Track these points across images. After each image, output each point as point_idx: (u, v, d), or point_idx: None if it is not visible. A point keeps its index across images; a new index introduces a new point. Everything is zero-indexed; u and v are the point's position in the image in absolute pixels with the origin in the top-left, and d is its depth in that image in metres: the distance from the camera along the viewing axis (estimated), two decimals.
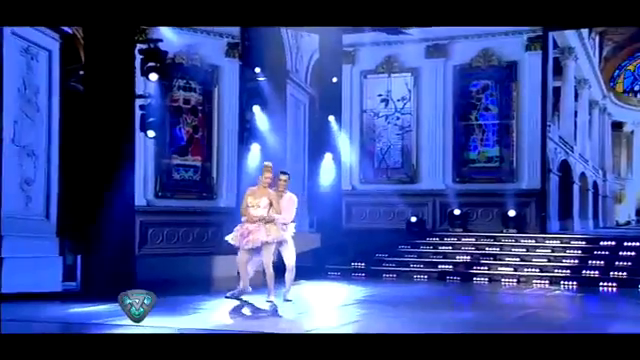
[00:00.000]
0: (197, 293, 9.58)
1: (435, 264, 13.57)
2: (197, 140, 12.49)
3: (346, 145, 17.35)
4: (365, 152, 17.70)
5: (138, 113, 9.79)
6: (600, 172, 24.64)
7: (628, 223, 25.04)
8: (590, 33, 22.57)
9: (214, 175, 12.83)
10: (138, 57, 9.58)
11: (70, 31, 9.61)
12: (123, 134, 9.12)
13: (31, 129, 9.01)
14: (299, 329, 6.88)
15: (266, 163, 8.44)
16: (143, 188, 11.66)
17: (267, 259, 8.20)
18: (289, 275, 8.64)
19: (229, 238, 8.30)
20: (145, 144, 11.43)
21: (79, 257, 8.87)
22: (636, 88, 25.10)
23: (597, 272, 12.03)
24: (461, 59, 16.84)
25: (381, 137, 17.69)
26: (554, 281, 11.89)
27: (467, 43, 16.77)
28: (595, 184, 24.12)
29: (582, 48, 21.69)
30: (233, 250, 13.11)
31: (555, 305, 9.86)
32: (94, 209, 8.81)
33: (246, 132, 13.60)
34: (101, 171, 8.99)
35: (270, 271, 8.25)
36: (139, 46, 9.52)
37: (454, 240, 15.16)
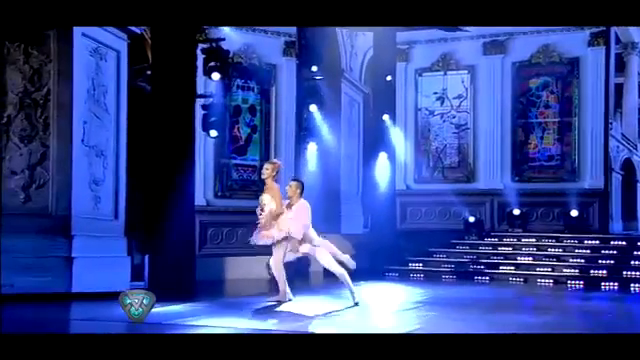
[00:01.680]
0: (257, 294, 9.63)
1: (496, 265, 13.39)
2: (256, 140, 12.60)
3: (401, 144, 17.30)
4: (420, 151, 17.61)
5: (200, 113, 9.92)
6: None
7: None
8: None
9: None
10: (200, 57, 9.72)
11: (138, 31, 9.81)
12: (185, 134, 9.28)
13: (100, 129, 9.26)
14: (360, 331, 6.85)
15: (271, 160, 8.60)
16: (203, 188, 11.85)
17: (274, 259, 8.28)
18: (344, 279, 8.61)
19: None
20: (205, 144, 11.60)
21: (146, 257, 9.03)
22: None
23: None
24: (520, 55, 16.64)
25: (437, 136, 17.57)
26: (623, 284, 11.63)
27: (526, 39, 16.55)
28: None
29: None
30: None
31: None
32: (158, 209, 8.96)
33: (303, 131, 13.69)
34: (164, 171, 9.16)
35: (277, 272, 8.32)
36: (201, 45, 9.67)
37: (514, 241, 14.97)
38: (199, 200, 11.13)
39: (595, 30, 16.10)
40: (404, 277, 13.47)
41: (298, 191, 8.39)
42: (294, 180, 8.74)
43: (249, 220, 12.77)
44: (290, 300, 8.48)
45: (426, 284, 12.21)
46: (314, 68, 14.11)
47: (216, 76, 9.50)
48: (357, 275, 13.06)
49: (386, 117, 16.89)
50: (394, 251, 15.01)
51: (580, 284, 11.92)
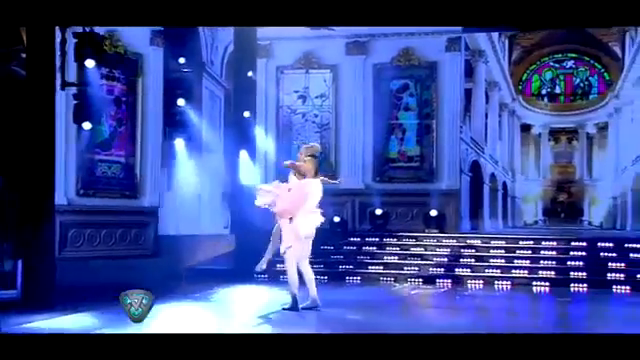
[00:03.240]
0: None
1: (365, 265, 13.59)
2: (121, 134, 11.83)
3: (262, 142, 17.13)
4: (282, 149, 17.49)
5: (71, 103, 9.10)
6: (509, 173, 25.87)
7: (535, 223, 26.49)
8: (500, 37, 23.63)
9: (137, 172, 12.24)
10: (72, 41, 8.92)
11: None
12: (45, 125, 8.50)
13: None
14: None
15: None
16: (64, 185, 10.93)
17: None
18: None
19: None
20: (67, 137, 10.71)
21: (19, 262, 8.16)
22: (543, 92, 26.54)
23: (526, 271, 12.58)
24: (381, 57, 17.11)
25: (298, 135, 17.59)
26: (487, 281, 12.25)
27: (387, 41, 17.08)
28: (504, 185, 25.32)
29: (492, 51, 22.72)
30: (157, 254, 12.70)
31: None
32: (25, 209, 8.12)
33: (170, 127, 13.08)
34: (23, 166, 8.34)
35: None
36: (73, 29, 8.86)
37: (377, 240, 15.29)
38: (60, 199, 10.29)
39: (452, 36, 16.92)
40: (274, 279, 13.24)
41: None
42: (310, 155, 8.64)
43: (114, 220, 12.14)
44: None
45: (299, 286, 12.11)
46: (181, 60, 13.57)
47: (90, 63, 8.75)
48: (224, 278, 12.85)
49: (247, 114, 16.67)
50: (257, 252, 14.79)
51: (448, 282, 12.40)
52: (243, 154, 16.63)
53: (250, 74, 16.76)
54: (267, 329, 7.71)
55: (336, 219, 16.17)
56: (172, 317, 8.07)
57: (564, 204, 26.56)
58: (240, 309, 9.56)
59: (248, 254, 14.71)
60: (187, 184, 15.59)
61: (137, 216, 12.08)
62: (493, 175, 23.44)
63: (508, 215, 25.13)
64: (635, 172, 22.80)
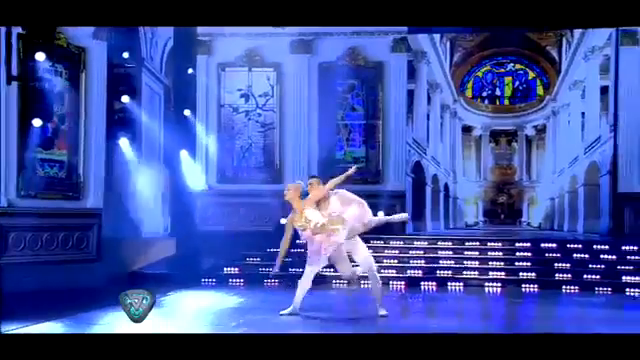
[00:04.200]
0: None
1: None
2: (64, 132, 11.45)
3: (203, 142, 16.97)
4: (223, 149, 17.35)
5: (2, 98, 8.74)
6: (451, 174, 26.44)
7: (476, 224, 27.16)
8: (442, 39, 24.13)
9: (81, 172, 11.88)
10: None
11: None
12: None
13: None
14: None
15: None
16: (4, 186, 10.49)
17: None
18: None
19: None
20: (7, 135, 10.29)
21: None
22: (484, 94, 27.25)
23: (477, 272, 12.89)
24: (327, 57, 17.15)
25: (241, 134, 17.44)
26: (440, 283, 12.52)
27: (333, 40, 17.12)
28: (446, 186, 25.85)
29: (434, 53, 23.16)
30: (100, 258, 12.36)
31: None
32: None
33: (114, 124, 12.77)
34: None
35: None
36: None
37: None
38: None
39: (397, 36, 17.14)
40: (222, 284, 13.16)
41: (321, 186, 8.42)
42: (312, 177, 8.85)
43: (56, 223, 11.72)
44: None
45: (249, 291, 12.09)
46: (125, 54, 13.29)
47: (40, 56, 8.43)
48: (169, 283, 12.65)
49: (188, 112, 16.48)
50: (200, 256, 14.66)
51: (401, 285, 12.59)
52: (183, 154, 16.47)
53: (190, 71, 16.66)
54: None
55: (283, 221, 16.11)
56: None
57: (504, 205, 27.40)
58: (201, 313, 9.42)
59: (189, 258, 14.67)
60: (127, 185, 15.28)
61: (80, 219, 11.74)
62: (435, 176, 23.93)
63: (450, 216, 25.73)
64: (572, 174, 23.71)
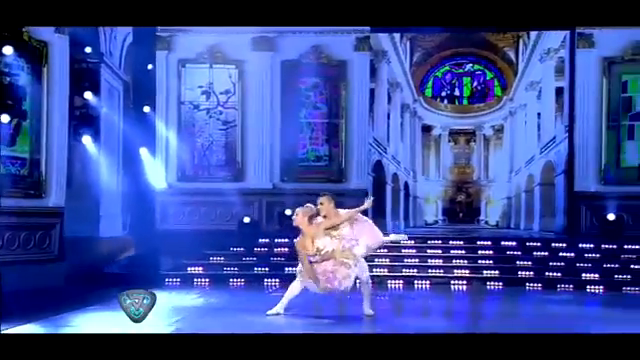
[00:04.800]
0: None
1: (281, 267, 13.69)
2: (25, 128, 11.25)
3: (163, 139, 16.88)
4: (184, 147, 17.24)
5: None
6: (411, 173, 26.80)
7: (436, 222, 27.60)
8: (402, 38, 24.42)
9: (43, 170, 11.67)
10: None
11: None
12: None
13: None
14: None
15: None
16: None
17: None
18: None
19: None
20: None
21: None
22: (443, 94, 27.71)
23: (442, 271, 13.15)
24: (290, 54, 17.08)
25: (202, 132, 17.35)
26: (408, 281, 12.74)
27: (296, 38, 17.03)
28: (406, 184, 26.20)
29: (394, 52, 23.42)
30: (62, 258, 12.16)
31: None
32: None
33: (75, 121, 12.62)
34: None
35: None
36: None
37: (288, 242, 15.39)
38: None
39: (360, 35, 17.26)
40: (187, 284, 13.11)
41: (332, 205, 8.42)
42: (323, 195, 8.73)
43: (18, 223, 11.48)
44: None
45: (215, 291, 12.08)
46: (88, 49, 13.15)
47: (8, 50, 8.30)
48: (130, 284, 12.51)
49: (147, 109, 16.38)
50: (161, 255, 14.60)
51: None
52: (143, 151, 16.36)
53: (150, 67, 16.56)
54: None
55: (246, 220, 16.17)
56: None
57: (462, 204, 27.92)
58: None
59: (149, 258, 14.59)
60: (86, 183, 15.09)
61: (42, 218, 11.51)
62: (395, 175, 24.22)
63: (409, 215, 26.10)
64: (528, 173, 24.32)
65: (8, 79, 10.73)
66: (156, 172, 16.57)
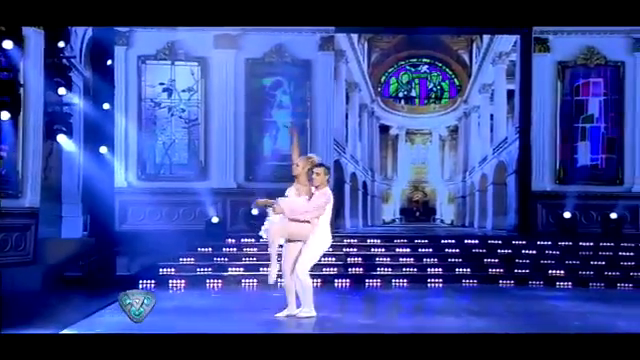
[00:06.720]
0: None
1: (256, 267, 13.94)
2: (2, 125, 11.19)
3: (122, 137, 16.87)
4: (145, 146, 17.23)
5: None
6: (369, 173, 27.37)
7: (393, 221, 28.25)
8: (359, 39, 24.90)
9: (20, 169, 11.61)
10: None
11: None
12: None
13: None
14: None
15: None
16: None
17: None
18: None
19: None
20: None
21: None
22: (400, 94, 28.41)
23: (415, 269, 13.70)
24: (253, 52, 17.09)
25: (164, 130, 17.36)
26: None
27: (259, 36, 16.98)
28: (365, 184, 26.72)
29: (352, 52, 23.86)
30: (36, 260, 12.06)
31: None
32: None
33: (48, 118, 12.61)
34: None
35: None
36: None
37: (255, 242, 15.64)
38: None
39: (325, 35, 17.63)
40: (162, 285, 13.16)
41: (327, 178, 8.31)
42: (320, 166, 8.42)
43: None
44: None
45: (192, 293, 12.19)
46: (61, 44, 13.14)
47: (8, 44, 8.35)
48: (94, 286, 12.42)
49: (107, 106, 16.32)
50: (124, 256, 14.61)
51: (347, 282, 13.18)
52: (103, 149, 16.30)
53: (110, 63, 16.49)
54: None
55: (214, 219, 16.32)
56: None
57: (419, 203, 28.73)
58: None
59: (111, 260, 14.56)
60: (49, 183, 14.99)
61: (20, 218, 11.39)
62: (354, 175, 24.69)
63: (368, 214, 26.68)
64: (482, 173, 25.26)
65: None
66: (116, 171, 16.52)
